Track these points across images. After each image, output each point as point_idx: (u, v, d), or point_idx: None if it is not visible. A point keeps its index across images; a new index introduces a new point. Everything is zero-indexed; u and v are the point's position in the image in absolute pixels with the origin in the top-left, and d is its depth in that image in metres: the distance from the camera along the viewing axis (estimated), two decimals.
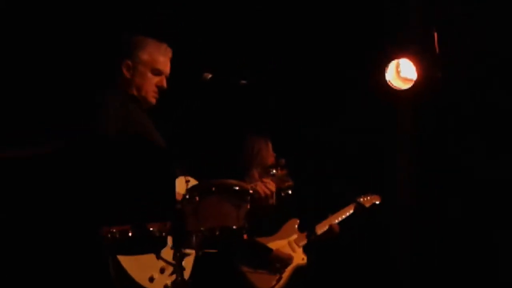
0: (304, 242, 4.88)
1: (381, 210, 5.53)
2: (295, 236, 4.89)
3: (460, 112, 5.60)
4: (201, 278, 3.56)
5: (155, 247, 3.16)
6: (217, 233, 3.19)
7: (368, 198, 5.25)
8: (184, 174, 3.38)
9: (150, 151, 2.25)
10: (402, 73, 5.19)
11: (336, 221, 5.00)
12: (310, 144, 5.76)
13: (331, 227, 4.93)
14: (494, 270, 5.47)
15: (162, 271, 3.18)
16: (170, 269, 3.17)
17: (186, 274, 3.31)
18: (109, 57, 3.59)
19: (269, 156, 4.94)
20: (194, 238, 3.19)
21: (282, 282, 4.71)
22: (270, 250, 4.68)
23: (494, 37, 5.29)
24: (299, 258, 4.83)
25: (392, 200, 5.79)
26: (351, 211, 5.13)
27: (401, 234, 5.89)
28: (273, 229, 4.87)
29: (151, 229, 3.13)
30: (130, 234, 3.14)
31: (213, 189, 3.21)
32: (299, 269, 4.81)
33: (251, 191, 3.41)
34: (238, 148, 5.00)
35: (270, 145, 5.00)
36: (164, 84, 3.44)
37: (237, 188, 3.29)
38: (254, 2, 5.47)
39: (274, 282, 4.69)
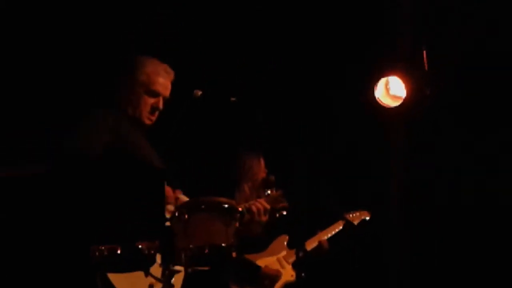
0: (293, 258, 4.87)
1: (373, 226, 5.53)
2: (284, 253, 4.88)
3: (450, 128, 5.62)
4: None
5: (144, 265, 3.15)
6: (206, 250, 3.19)
7: (357, 214, 5.24)
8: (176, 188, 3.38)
9: (139, 169, 2.25)
10: (391, 90, 5.20)
11: (326, 237, 4.99)
12: (301, 161, 5.76)
13: (320, 243, 4.92)
14: (487, 279, 5.48)
15: (151, 287, 3.15)
16: (159, 285, 3.17)
17: None
18: (111, 74, 3.59)
19: (261, 171, 4.95)
20: (183, 255, 3.19)
21: None
22: (259, 267, 4.67)
23: (483, 53, 5.32)
24: (288, 274, 4.82)
25: (383, 217, 5.79)
26: (341, 227, 5.13)
27: (393, 250, 5.89)
28: (262, 246, 4.86)
29: (139, 246, 3.13)
30: (118, 251, 3.14)
31: (203, 206, 3.21)
32: (288, 286, 4.79)
33: (241, 209, 3.42)
34: (230, 164, 5.00)
35: (262, 161, 5.01)
36: (160, 105, 3.41)
37: (226, 205, 3.29)
38: (244, 21, 5.49)
39: None
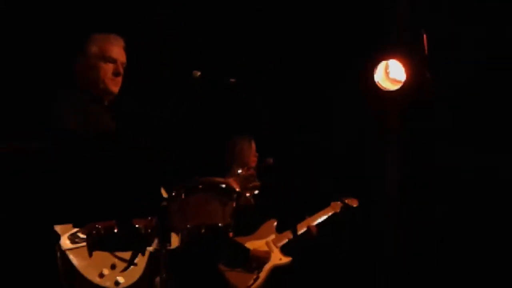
0: (282, 242, 4.90)
1: (369, 212, 5.54)
2: (272, 237, 4.91)
3: (449, 113, 5.61)
4: (179, 276, 3.54)
5: (141, 244, 3.15)
6: (203, 230, 3.19)
7: (346, 201, 5.25)
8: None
9: (113, 150, 2.25)
10: (391, 74, 5.19)
11: (314, 222, 5.02)
12: (295, 145, 5.76)
13: (309, 228, 4.95)
14: (482, 271, 5.48)
15: (113, 267, 3.14)
16: (122, 265, 3.16)
17: (139, 272, 3.29)
18: (66, 58, 3.58)
19: (252, 155, 4.99)
20: (180, 235, 3.19)
21: (259, 281, 4.72)
22: (248, 249, 4.69)
23: (483, 38, 5.31)
24: (277, 258, 4.84)
25: (379, 201, 5.79)
26: (330, 214, 5.15)
27: (388, 236, 5.89)
28: (251, 230, 4.88)
29: (136, 225, 3.13)
30: (115, 230, 3.14)
31: (200, 186, 3.21)
32: (276, 269, 4.82)
33: (238, 189, 3.42)
34: (222, 147, 5.02)
35: (253, 144, 5.04)
36: (120, 70, 3.43)
37: (223, 186, 3.29)
38: (243, 3, 5.47)
39: (251, 281, 4.69)
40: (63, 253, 2.96)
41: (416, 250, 5.70)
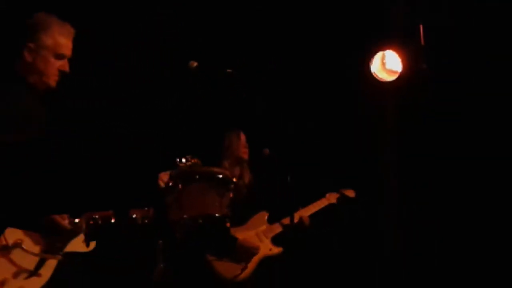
0: (272, 233, 4.90)
1: (365, 202, 5.54)
2: (263, 227, 4.91)
3: (446, 104, 5.60)
4: (169, 265, 3.53)
5: (138, 234, 3.15)
6: (200, 221, 3.19)
7: (343, 191, 5.25)
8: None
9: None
10: (387, 65, 5.18)
11: (307, 213, 5.02)
12: (290, 136, 5.77)
13: (301, 219, 4.94)
14: (483, 268, 5.47)
15: (16, 275, 2.98)
16: (25, 273, 3.01)
17: (42, 281, 3.15)
18: (10, 39, 3.42)
19: (241, 147, 5.00)
20: (177, 226, 3.20)
21: (247, 271, 4.72)
22: (235, 239, 4.70)
23: (480, 28, 5.30)
24: (267, 248, 4.84)
25: (375, 193, 5.80)
26: (324, 204, 5.15)
27: (387, 230, 5.89)
28: (242, 221, 4.89)
29: (133, 216, 3.13)
30: (112, 220, 3.14)
31: (197, 176, 3.20)
32: (266, 260, 4.82)
33: (235, 180, 3.42)
34: (213, 141, 5.03)
35: (242, 137, 5.04)
36: (67, 68, 3.31)
37: (220, 176, 3.29)
38: None
39: (238, 271, 4.70)
40: None
41: (415, 245, 5.69)
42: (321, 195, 5.21)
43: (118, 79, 4.85)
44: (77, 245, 3.24)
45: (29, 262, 3.01)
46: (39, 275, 3.08)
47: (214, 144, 5.04)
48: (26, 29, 3.30)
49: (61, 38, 3.27)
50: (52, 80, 3.26)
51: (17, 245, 2.88)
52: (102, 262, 4.55)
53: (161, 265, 3.45)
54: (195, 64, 3.65)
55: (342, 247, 5.80)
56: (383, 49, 5.19)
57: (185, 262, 4.49)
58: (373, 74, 5.22)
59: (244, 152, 5.00)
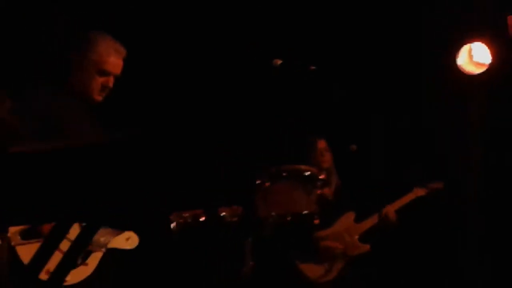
0: (360, 232, 4.84)
1: (449, 200, 5.43)
2: (350, 227, 4.86)
3: None
4: (257, 263, 3.54)
5: (226, 232, 3.17)
6: (288, 218, 3.19)
7: (431, 185, 5.15)
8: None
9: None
10: (474, 57, 5.07)
11: (394, 209, 4.94)
12: (376, 132, 5.71)
13: (387, 215, 4.86)
14: None
15: None
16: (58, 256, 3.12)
17: (89, 271, 3.25)
18: (59, 50, 3.55)
19: (318, 158, 4.90)
20: (265, 223, 3.20)
21: (334, 272, 4.68)
22: (317, 240, 4.67)
23: None
24: (353, 247, 4.79)
25: (461, 191, 5.67)
26: (412, 199, 5.06)
27: (471, 225, 5.76)
28: (329, 224, 4.85)
29: (222, 214, 3.15)
30: (202, 218, 3.17)
31: (284, 174, 3.20)
32: (354, 259, 4.77)
33: (323, 177, 3.39)
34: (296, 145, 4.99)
35: (319, 146, 4.95)
36: (110, 84, 3.38)
37: (308, 173, 3.28)
38: None
39: (322, 272, 4.67)
40: (12, 248, 2.92)
41: (501, 246, 5.55)
42: (409, 190, 5.13)
43: (204, 78, 4.91)
44: (121, 242, 3.35)
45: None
46: (86, 265, 3.20)
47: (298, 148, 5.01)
48: (75, 42, 3.41)
49: (106, 56, 3.34)
50: (96, 94, 3.35)
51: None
52: (191, 260, 4.62)
53: (250, 263, 3.46)
54: (279, 62, 3.64)
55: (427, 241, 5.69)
56: (470, 41, 5.07)
57: (272, 260, 4.50)
58: (459, 67, 5.11)
59: (322, 161, 4.90)
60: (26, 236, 2.92)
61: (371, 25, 5.63)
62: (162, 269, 4.75)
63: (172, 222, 3.29)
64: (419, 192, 5.10)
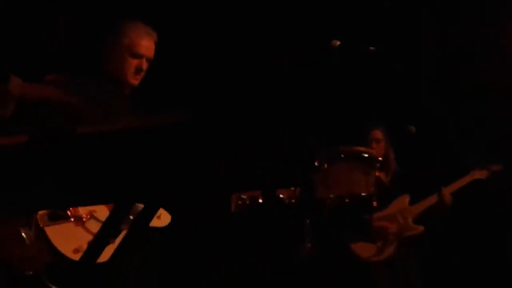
0: (413, 214, 4.79)
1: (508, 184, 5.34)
2: (404, 209, 4.81)
3: None
4: (315, 244, 3.54)
5: (285, 214, 3.18)
6: (347, 200, 3.19)
7: (487, 168, 5.05)
8: None
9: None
10: None
11: (449, 191, 4.86)
12: (435, 114, 5.64)
13: (442, 197, 4.79)
14: None
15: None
16: (88, 237, 3.06)
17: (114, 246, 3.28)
18: (96, 38, 3.60)
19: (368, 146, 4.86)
20: (323, 205, 3.21)
21: (386, 252, 4.66)
22: (369, 221, 4.64)
23: None
24: (407, 228, 4.74)
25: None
26: (468, 181, 4.98)
27: None
28: (384, 206, 4.82)
29: (280, 195, 3.17)
30: (260, 200, 3.19)
31: (342, 155, 3.20)
32: (407, 241, 4.73)
33: (380, 158, 3.38)
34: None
35: (372, 135, 4.91)
36: (143, 67, 3.42)
37: (366, 154, 3.27)
38: None
39: (375, 252, 4.64)
40: (41, 229, 2.95)
41: None
42: (466, 174, 5.05)
43: (262, 59, 4.92)
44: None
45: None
46: (113, 242, 3.20)
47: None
48: (109, 29, 3.48)
49: (138, 39, 3.40)
50: (130, 78, 3.40)
51: (91, 215, 3.00)
52: (248, 241, 4.66)
53: (308, 245, 3.47)
54: (338, 43, 3.62)
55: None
56: None
57: (327, 241, 4.50)
58: None
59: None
60: (54, 217, 2.98)
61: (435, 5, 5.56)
62: (219, 250, 4.81)
63: (231, 204, 3.33)
64: (477, 174, 5.01)
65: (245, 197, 3.24)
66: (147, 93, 3.56)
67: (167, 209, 3.28)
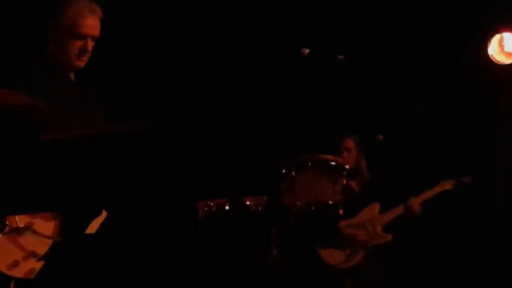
0: (382, 222, 4.82)
1: (482, 189, 5.38)
2: (373, 218, 4.83)
3: None
4: (282, 252, 3.53)
5: (251, 221, 3.17)
6: (313, 208, 3.19)
7: (458, 179, 5.10)
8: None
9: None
10: (506, 47, 5.01)
11: (418, 202, 4.90)
12: (404, 122, 5.67)
13: (411, 206, 4.82)
14: None
15: (33, 254, 2.86)
16: (37, 256, 2.88)
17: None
18: (35, 17, 3.44)
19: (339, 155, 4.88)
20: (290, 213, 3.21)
21: (355, 260, 4.67)
22: (339, 228, 4.66)
23: None
24: (375, 237, 4.77)
25: (491, 182, 5.61)
26: (437, 192, 5.02)
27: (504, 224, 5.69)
28: (353, 214, 4.84)
29: (247, 203, 3.16)
30: (226, 207, 3.18)
31: (309, 164, 3.21)
32: (375, 249, 4.75)
33: (348, 166, 3.39)
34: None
35: (343, 144, 4.93)
36: (88, 47, 3.21)
37: (333, 163, 3.28)
38: None
39: (343, 258, 4.66)
40: None
41: None
42: (435, 184, 5.08)
43: (229, 66, 4.91)
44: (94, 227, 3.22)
45: (41, 245, 2.87)
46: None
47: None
48: (49, 8, 3.28)
49: (78, 17, 3.20)
50: (74, 60, 3.21)
51: (28, 227, 2.83)
52: (216, 248, 4.64)
53: (274, 252, 3.47)
54: (307, 51, 3.62)
55: (454, 237, 5.65)
56: (500, 31, 5.02)
57: (296, 249, 4.50)
58: (491, 57, 5.06)
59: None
60: None
61: (403, 13, 5.59)
62: (186, 256, 4.78)
63: (198, 210, 3.31)
64: (446, 185, 5.05)
65: (211, 204, 3.23)
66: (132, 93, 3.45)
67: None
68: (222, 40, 5.01)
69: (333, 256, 4.65)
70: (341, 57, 3.65)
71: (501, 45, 5.02)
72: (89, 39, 3.21)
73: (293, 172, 3.18)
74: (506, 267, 5.36)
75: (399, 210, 4.81)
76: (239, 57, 4.97)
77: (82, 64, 3.23)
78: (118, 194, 2.03)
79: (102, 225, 2.94)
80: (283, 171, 3.16)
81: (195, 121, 2.03)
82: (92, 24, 3.21)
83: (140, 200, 2.17)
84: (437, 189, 4.95)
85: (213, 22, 5.00)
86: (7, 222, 2.78)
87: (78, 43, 3.19)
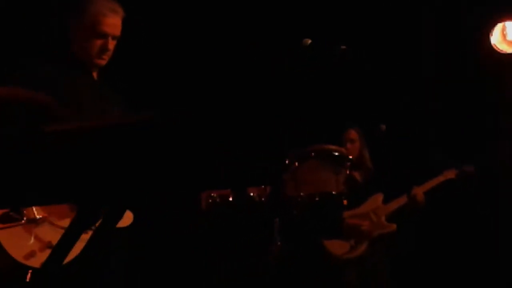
0: (386, 212, 4.81)
1: (485, 179, 5.37)
2: (377, 208, 4.83)
3: None
4: (285, 242, 3.53)
5: (255, 212, 3.18)
6: (317, 198, 3.19)
7: (460, 169, 5.09)
8: None
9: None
10: (508, 36, 5.00)
11: (422, 191, 4.89)
12: (407, 112, 5.66)
13: (415, 196, 4.81)
14: None
15: (43, 249, 2.89)
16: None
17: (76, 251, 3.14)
18: (58, 16, 3.50)
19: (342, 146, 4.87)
20: (293, 203, 3.21)
21: (359, 250, 4.67)
22: (345, 218, 4.65)
23: None
24: (379, 227, 4.76)
25: (493, 172, 5.61)
26: (441, 181, 5.01)
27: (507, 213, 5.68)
28: (357, 204, 4.83)
29: (251, 194, 3.16)
30: (230, 198, 3.18)
31: (312, 154, 3.20)
32: (379, 239, 4.74)
33: (351, 157, 3.39)
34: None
35: (345, 135, 4.92)
36: (108, 46, 3.27)
37: (336, 153, 3.27)
38: None
39: (347, 249, 4.66)
40: None
41: None
42: (439, 173, 5.08)
43: (233, 57, 4.91)
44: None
45: (58, 236, 2.95)
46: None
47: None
48: (71, 6, 3.32)
49: (101, 17, 3.24)
50: (95, 58, 3.26)
51: (45, 219, 2.88)
52: (219, 239, 4.65)
53: (278, 243, 3.47)
54: (309, 41, 3.61)
55: (457, 226, 5.65)
56: (503, 20, 5.00)
57: (300, 240, 4.51)
58: (493, 45, 5.05)
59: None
60: (4, 220, 2.85)
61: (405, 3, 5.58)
62: (190, 248, 4.79)
63: (202, 201, 3.31)
64: (449, 175, 5.04)
65: (215, 195, 3.23)
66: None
67: (131, 209, 3.21)
68: (227, 28, 5.01)
69: (337, 247, 4.65)
70: (343, 47, 3.64)
71: (503, 34, 5.00)
72: (109, 38, 3.26)
73: (296, 163, 3.17)
74: (508, 259, 5.37)
75: (402, 200, 4.81)
76: (241, 49, 4.97)
77: (103, 62, 3.29)
78: (120, 185, 2.02)
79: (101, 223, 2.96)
80: (286, 161, 3.16)
81: (197, 111, 2.03)
82: (113, 23, 3.26)
83: (143, 192, 2.17)
84: (440, 179, 4.95)
85: (213, 13, 5.00)
86: (24, 212, 2.84)
87: (99, 42, 3.25)
